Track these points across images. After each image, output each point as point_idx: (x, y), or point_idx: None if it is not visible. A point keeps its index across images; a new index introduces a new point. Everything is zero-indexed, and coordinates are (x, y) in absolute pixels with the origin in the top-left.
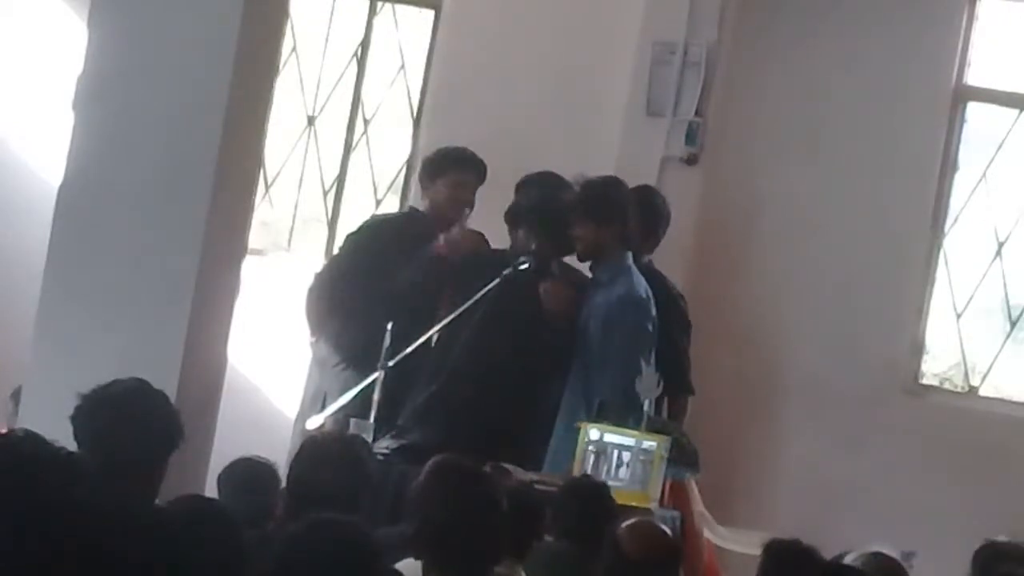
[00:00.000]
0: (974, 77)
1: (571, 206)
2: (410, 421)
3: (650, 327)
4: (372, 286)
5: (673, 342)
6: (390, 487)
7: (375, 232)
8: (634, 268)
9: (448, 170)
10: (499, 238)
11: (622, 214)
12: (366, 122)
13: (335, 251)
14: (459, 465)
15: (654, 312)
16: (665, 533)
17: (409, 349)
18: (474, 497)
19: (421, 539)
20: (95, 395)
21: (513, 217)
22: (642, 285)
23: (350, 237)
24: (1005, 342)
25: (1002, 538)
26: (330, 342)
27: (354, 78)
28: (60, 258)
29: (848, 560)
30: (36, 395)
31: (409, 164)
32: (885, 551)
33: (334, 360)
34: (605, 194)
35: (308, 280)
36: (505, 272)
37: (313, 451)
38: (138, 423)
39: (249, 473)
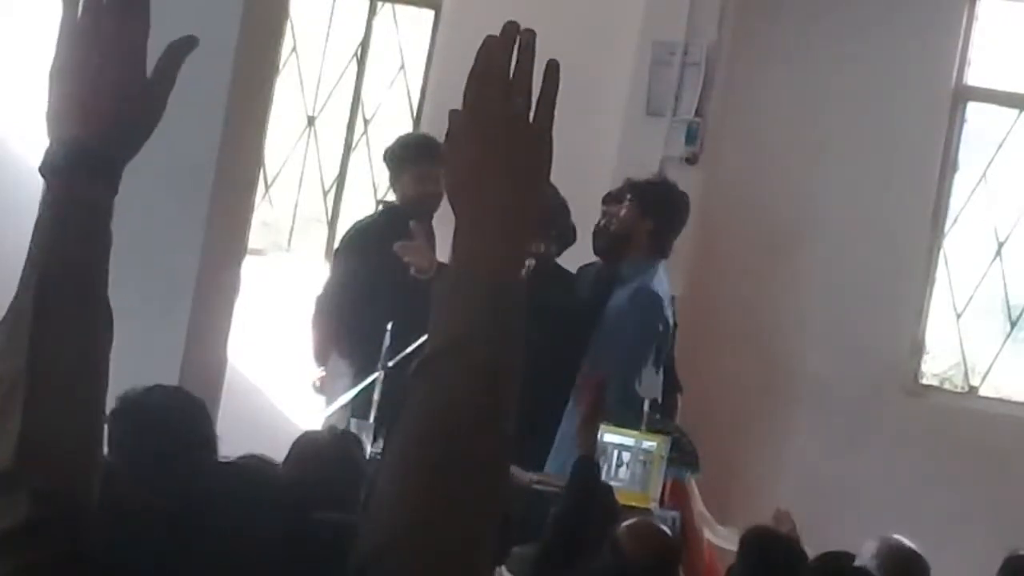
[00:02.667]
0: (974, 77)
1: (623, 187)
2: None
3: (660, 326)
4: (370, 293)
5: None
6: None
7: (359, 243)
8: (660, 268)
9: (408, 166)
10: None
11: (666, 213)
12: (366, 122)
13: (333, 252)
14: None
15: (668, 311)
16: (665, 533)
17: (409, 349)
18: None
19: None
20: (131, 399)
21: None
22: (662, 284)
23: (338, 253)
24: (1005, 342)
25: None
26: (344, 356)
27: (354, 78)
28: None
29: (868, 551)
30: None
31: None
32: (904, 540)
33: (351, 371)
34: (660, 189)
35: (310, 309)
36: None
37: (304, 450)
38: (173, 436)
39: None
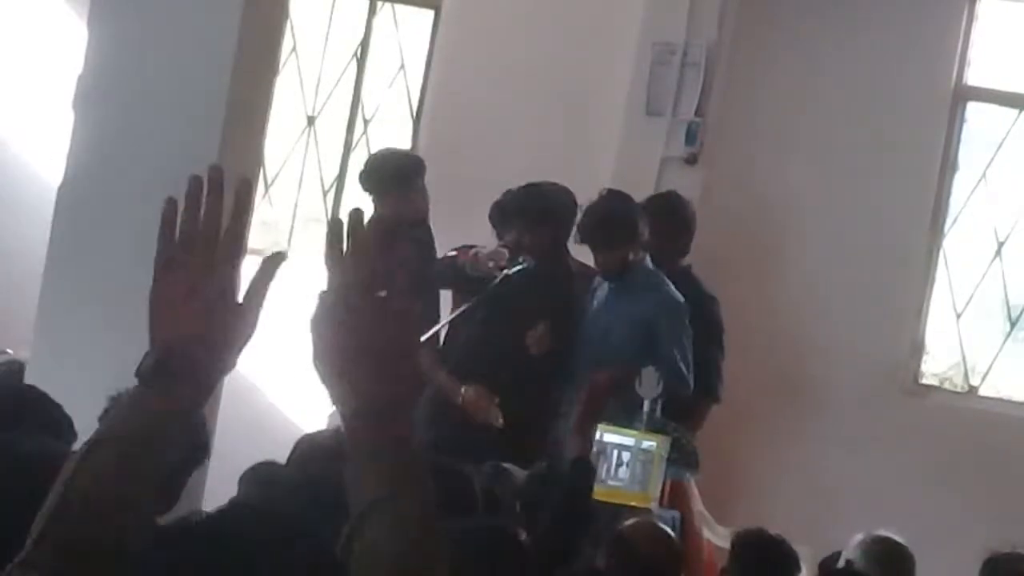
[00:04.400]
0: (974, 77)
1: (580, 237)
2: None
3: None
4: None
5: (702, 347)
6: None
7: None
8: (659, 272)
9: (387, 193)
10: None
11: (630, 230)
12: (366, 122)
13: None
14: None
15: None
16: (668, 534)
17: None
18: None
19: None
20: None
21: (501, 219)
22: (671, 287)
23: None
24: (1005, 342)
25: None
26: None
27: (354, 78)
28: (60, 258)
29: (853, 543)
30: None
31: None
32: (890, 534)
33: None
34: (607, 218)
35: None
36: (505, 271)
37: (306, 452)
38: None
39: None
